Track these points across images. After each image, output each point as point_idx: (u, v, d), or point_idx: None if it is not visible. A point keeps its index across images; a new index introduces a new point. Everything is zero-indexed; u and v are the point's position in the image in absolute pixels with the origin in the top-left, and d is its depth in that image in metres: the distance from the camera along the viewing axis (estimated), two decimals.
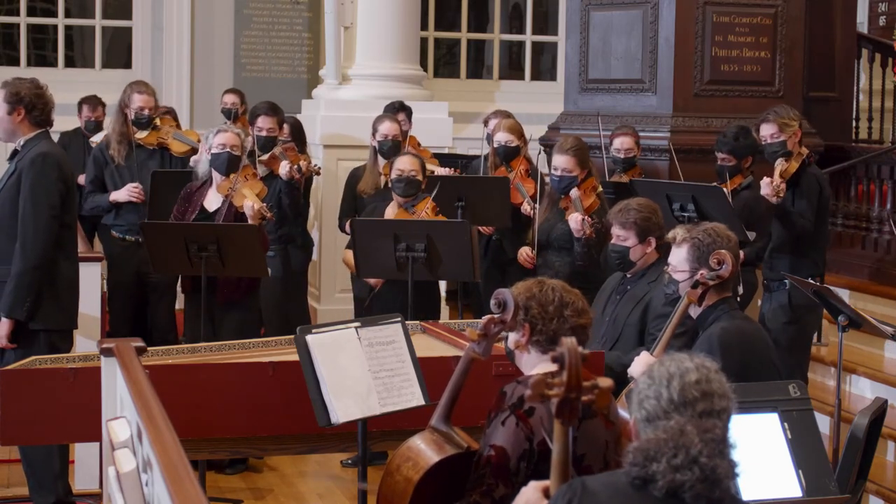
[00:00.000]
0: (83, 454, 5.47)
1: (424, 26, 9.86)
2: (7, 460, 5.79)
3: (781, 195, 5.74)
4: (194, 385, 4.17)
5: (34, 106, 5.07)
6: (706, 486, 2.33)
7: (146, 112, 6.78)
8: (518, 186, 6.54)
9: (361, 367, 3.86)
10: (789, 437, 3.62)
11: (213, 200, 5.84)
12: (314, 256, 7.86)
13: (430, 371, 3.98)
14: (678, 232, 4.24)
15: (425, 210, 5.91)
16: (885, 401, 4.47)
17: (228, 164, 5.76)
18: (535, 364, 3.21)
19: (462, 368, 3.38)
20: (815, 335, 6.43)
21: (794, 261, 5.92)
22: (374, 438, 4.15)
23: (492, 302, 3.24)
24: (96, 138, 7.77)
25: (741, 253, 4.81)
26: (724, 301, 4.13)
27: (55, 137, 5.57)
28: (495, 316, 3.23)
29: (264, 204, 5.76)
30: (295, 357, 3.91)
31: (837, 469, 4.13)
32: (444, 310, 7.54)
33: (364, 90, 8.54)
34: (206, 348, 4.65)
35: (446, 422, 3.33)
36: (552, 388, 2.48)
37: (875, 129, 9.16)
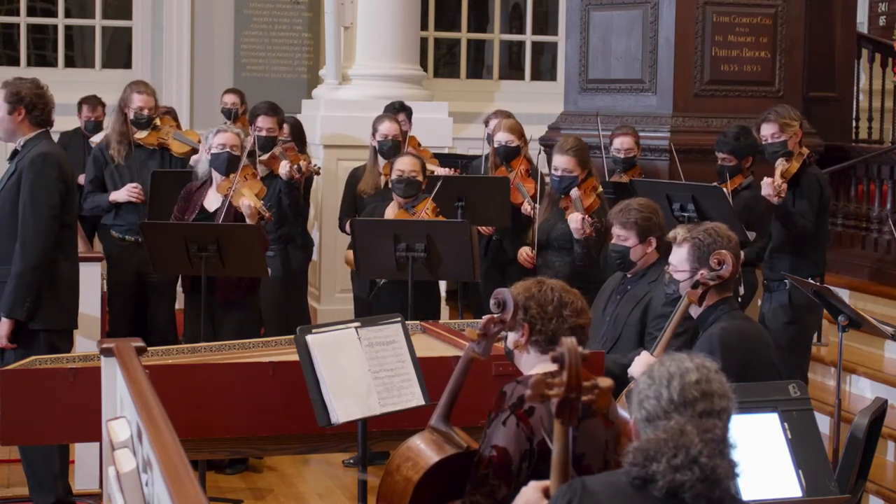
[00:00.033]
0: (83, 454, 5.47)
1: (424, 26, 9.86)
2: (7, 460, 5.79)
3: (783, 195, 5.73)
4: (194, 385, 4.17)
5: (35, 106, 5.07)
6: (706, 486, 2.33)
7: (146, 112, 6.78)
8: (518, 186, 6.54)
9: (361, 367, 3.86)
10: (789, 437, 3.62)
11: (212, 200, 5.84)
12: (314, 256, 7.86)
13: (430, 371, 3.98)
14: (679, 232, 4.24)
15: (425, 210, 5.91)
16: (885, 401, 4.47)
17: (228, 164, 5.76)
18: (534, 364, 3.21)
19: (461, 368, 3.38)
20: (815, 335, 6.43)
21: (795, 261, 5.91)
22: (374, 438, 4.15)
23: (491, 302, 3.24)
24: (96, 138, 7.77)
25: (741, 253, 4.81)
26: (724, 301, 4.13)
27: (55, 137, 5.57)
28: (495, 316, 3.23)
29: (262, 204, 5.75)
30: (295, 357, 3.92)
31: (837, 469, 4.13)
32: (444, 310, 7.54)
33: (364, 90, 8.54)
34: (206, 348, 4.65)
35: (446, 422, 3.33)
36: (552, 388, 2.49)
37: (875, 129, 9.16)
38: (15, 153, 5.11)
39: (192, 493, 2.28)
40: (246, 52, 9.77)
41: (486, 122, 7.65)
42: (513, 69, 10.88)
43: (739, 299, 5.31)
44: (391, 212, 6.05)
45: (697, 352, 2.98)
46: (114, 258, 6.78)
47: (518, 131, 6.77)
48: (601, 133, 6.92)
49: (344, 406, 3.77)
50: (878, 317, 5.32)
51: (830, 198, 6.30)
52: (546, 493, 2.71)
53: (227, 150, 5.77)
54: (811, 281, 5.37)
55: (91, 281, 5.77)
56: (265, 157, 6.88)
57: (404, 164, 6.00)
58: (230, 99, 8.22)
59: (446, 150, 8.47)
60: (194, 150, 6.72)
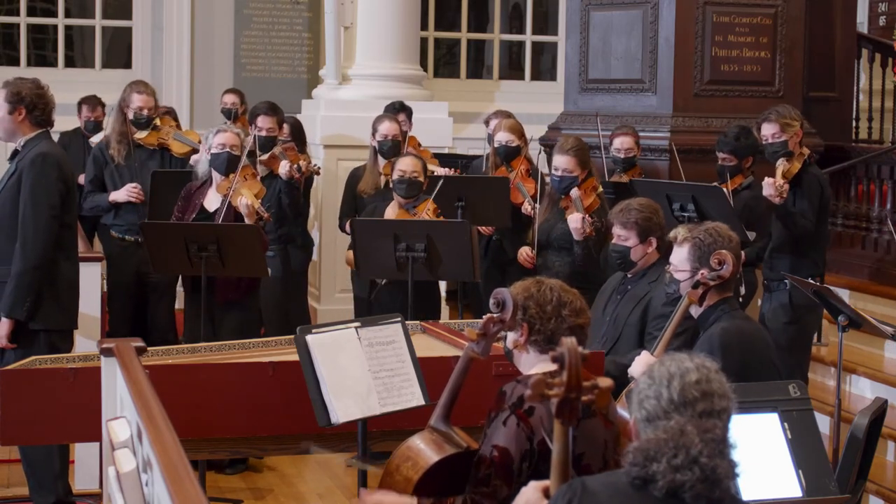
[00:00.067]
0: (83, 454, 5.47)
1: (424, 26, 9.86)
2: (7, 460, 5.79)
3: (784, 196, 5.73)
4: (194, 385, 4.17)
5: (35, 106, 5.07)
6: (706, 486, 2.33)
7: (145, 112, 6.78)
8: (519, 186, 6.54)
9: (361, 367, 3.86)
10: (789, 437, 3.62)
11: (212, 200, 5.84)
12: (314, 256, 7.86)
13: (430, 371, 3.98)
14: (680, 231, 4.24)
15: (426, 211, 5.91)
16: (885, 401, 4.47)
17: (228, 163, 5.76)
18: (533, 364, 3.21)
19: (461, 368, 3.38)
20: (815, 335, 6.43)
21: (795, 261, 5.91)
22: (374, 438, 4.15)
23: (490, 301, 3.24)
24: (96, 138, 7.77)
25: (742, 253, 4.81)
26: (724, 301, 4.13)
27: (55, 137, 5.57)
28: (494, 315, 3.23)
29: (261, 204, 5.74)
30: (295, 357, 3.91)
31: (837, 469, 4.13)
32: (444, 310, 7.54)
33: (364, 90, 8.54)
34: (206, 348, 4.65)
35: (446, 421, 3.33)
36: (552, 387, 2.48)
37: (875, 129, 9.16)
38: (15, 153, 5.11)
39: (192, 493, 2.28)
40: (246, 52, 9.77)
41: (487, 123, 7.65)
42: (513, 69, 10.88)
43: (740, 299, 5.32)
44: (391, 212, 6.05)
45: (698, 352, 2.98)
46: (113, 258, 6.78)
47: (518, 131, 6.77)
48: (601, 133, 6.92)
49: (344, 406, 3.77)
50: (878, 317, 5.32)
51: (830, 198, 6.30)
52: (546, 493, 2.71)
53: (227, 149, 5.77)
54: (811, 281, 5.37)
55: (91, 281, 5.77)
56: (265, 157, 6.88)
57: (406, 165, 6.00)
58: (230, 99, 8.22)
59: (446, 150, 8.47)
60: (194, 151, 6.72)
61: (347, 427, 3.86)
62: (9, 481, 5.71)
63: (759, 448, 3.56)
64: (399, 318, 4.04)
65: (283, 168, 6.66)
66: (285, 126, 7.20)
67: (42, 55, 10.10)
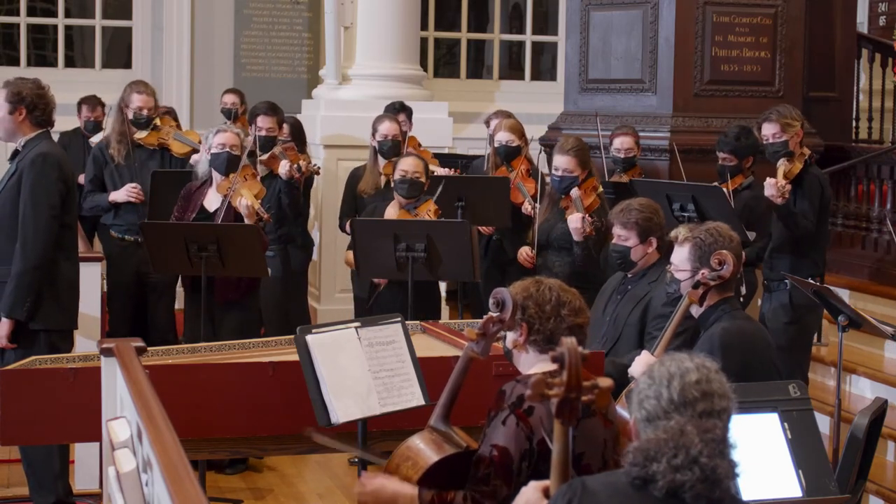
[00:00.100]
0: (83, 454, 5.47)
1: (424, 26, 9.86)
2: (7, 460, 5.79)
3: (786, 196, 5.73)
4: (194, 385, 4.17)
5: (35, 106, 5.07)
6: (706, 487, 2.33)
7: (145, 112, 6.78)
8: (519, 186, 6.54)
9: (361, 367, 3.86)
10: (789, 437, 3.62)
11: (212, 200, 5.84)
12: (314, 256, 7.86)
13: (430, 371, 3.98)
14: (681, 231, 4.24)
15: (427, 212, 5.91)
16: (885, 401, 4.47)
17: (228, 163, 5.76)
18: (532, 363, 3.21)
19: (461, 368, 3.38)
20: (815, 335, 6.43)
21: (795, 261, 5.91)
22: (374, 438, 4.15)
23: (490, 301, 3.24)
24: (96, 138, 7.77)
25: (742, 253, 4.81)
26: (725, 301, 4.13)
27: (55, 137, 5.57)
28: (494, 315, 3.23)
29: (260, 205, 5.74)
30: (295, 357, 3.91)
31: (837, 469, 4.13)
32: (444, 310, 7.54)
33: (364, 90, 8.54)
34: (206, 348, 4.65)
35: (445, 421, 3.33)
36: (552, 387, 2.48)
37: (875, 129, 9.16)
38: (16, 153, 5.11)
39: (192, 493, 2.28)
40: (246, 52, 9.77)
41: (487, 123, 7.65)
42: (513, 69, 10.88)
43: (742, 299, 5.32)
44: (392, 212, 6.05)
45: (698, 351, 2.98)
46: (113, 258, 6.78)
47: (519, 131, 6.77)
48: (601, 133, 6.92)
49: (344, 406, 3.77)
50: (878, 317, 5.32)
51: (831, 198, 6.30)
52: (546, 492, 2.71)
53: (227, 149, 5.77)
54: (811, 281, 5.37)
55: (91, 281, 5.77)
56: (265, 157, 6.88)
57: (408, 165, 6.00)
58: (230, 99, 8.22)
59: (446, 150, 8.47)
60: (194, 151, 6.72)
61: (347, 427, 3.85)
62: (9, 481, 5.71)
63: (759, 448, 3.56)
64: (399, 318, 4.04)
65: (283, 168, 6.66)
66: (285, 126, 7.20)
67: (42, 55, 10.10)
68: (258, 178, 6.06)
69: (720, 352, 3.79)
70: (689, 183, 6.08)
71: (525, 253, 6.14)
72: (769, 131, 5.93)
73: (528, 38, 10.69)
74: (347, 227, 6.51)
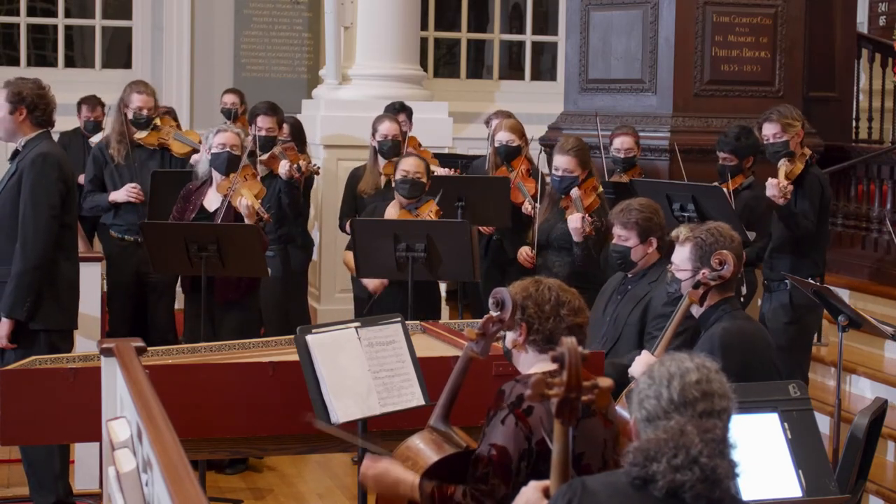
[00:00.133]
0: (83, 454, 5.47)
1: (424, 26, 9.86)
2: (7, 460, 5.79)
3: (788, 197, 5.73)
4: (194, 385, 4.17)
5: (36, 106, 5.07)
6: (706, 487, 2.33)
7: (145, 112, 6.78)
8: (519, 186, 6.54)
9: (361, 367, 3.86)
10: (789, 437, 3.62)
11: (212, 200, 5.84)
12: (314, 256, 7.86)
13: (430, 371, 3.98)
14: (682, 231, 4.24)
15: (429, 213, 5.91)
16: (885, 401, 4.47)
17: (228, 163, 5.76)
18: (532, 363, 3.21)
19: (460, 368, 3.38)
20: (815, 335, 6.43)
21: (795, 261, 5.91)
22: (374, 438, 4.15)
23: (490, 301, 3.24)
24: (96, 138, 7.77)
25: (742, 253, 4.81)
26: (726, 301, 4.13)
27: (55, 137, 5.57)
28: (493, 315, 3.23)
29: (260, 205, 5.74)
30: (295, 357, 3.91)
31: (837, 469, 4.13)
32: (444, 310, 7.54)
33: (364, 90, 8.54)
34: (206, 348, 4.65)
35: (445, 421, 3.33)
36: (552, 387, 2.48)
37: (875, 129, 9.16)
38: (16, 153, 5.11)
39: (192, 493, 2.28)
40: (246, 52, 9.77)
41: (488, 123, 7.65)
42: (513, 69, 10.89)
43: (742, 299, 5.32)
44: (392, 212, 6.05)
45: (698, 351, 2.98)
46: (113, 258, 6.77)
47: (519, 131, 6.77)
48: (601, 133, 6.92)
49: (344, 406, 3.77)
50: (878, 317, 5.32)
51: (831, 198, 6.31)
52: (546, 492, 2.71)
53: (228, 149, 5.77)
54: (811, 281, 5.36)
55: (91, 281, 5.77)
56: (265, 156, 6.88)
57: (409, 165, 5.99)
58: (230, 99, 8.22)
59: (446, 150, 8.47)
60: (195, 151, 6.72)
61: (347, 427, 3.85)
62: (9, 481, 5.71)
63: (759, 448, 3.56)
64: (399, 318, 4.04)
65: (283, 168, 6.66)
66: (285, 126, 7.20)
67: (42, 55, 10.10)
68: (258, 178, 6.06)
69: (720, 352, 3.79)
70: (689, 183, 6.08)
71: (525, 253, 6.14)
72: (770, 131, 5.93)
73: (528, 38, 10.69)
74: (347, 227, 6.51)
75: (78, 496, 5.34)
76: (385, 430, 4.14)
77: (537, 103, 9.63)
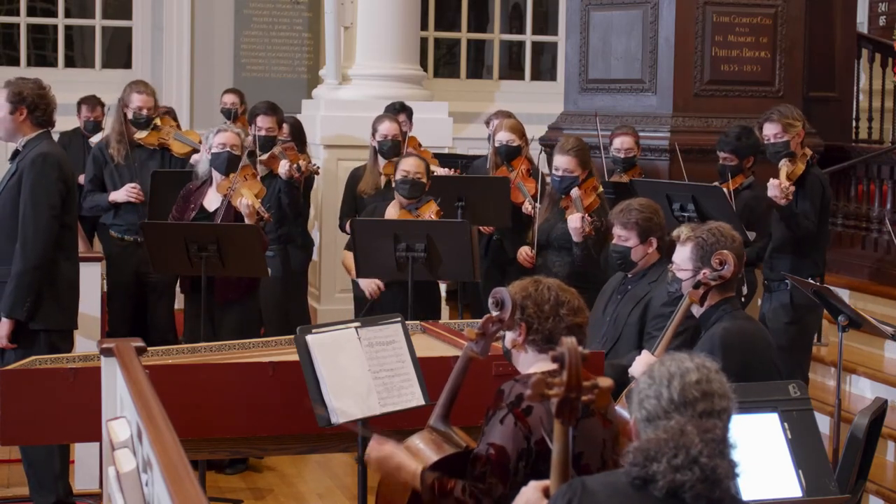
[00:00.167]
0: (83, 454, 5.46)
1: (424, 26, 9.86)
2: (7, 460, 5.79)
3: (790, 198, 5.73)
4: (194, 385, 4.17)
5: (36, 106, 5.07)
6: (706, 487, 2.33)
7: (145, 112, 6.78)
8: (520, 186, 6.54)
9: (361, 367, 3.85)
10: (789, 437, 3.62)
11: (212, 200, 5.84)
12: (314, 256, 7.86)
13: (430, 371, 3.98)
14: (683, 230, 4.25)
15: (430, 214, 5.90)
16: (885, 401, 4.47)
17: (228, 163, 5.76)
18: (532, 363, 3.21)
19: (460, 367, 3.38)
20: (816, 335, 6.43)
21: (795, 261, 5.91)
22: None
23: (489, 301, 3.25)
24: (96, 138, 7.77)
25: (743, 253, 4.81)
26: (726, 301, 4.13)
27: (55, 137, 5.56)
28: (493, 315, 3.23)
29: (261, 204, 5.74)
30: (295, 357, 3.91)
31: (837, 469, 4.13)
32: (444, 310, 7.54)
33: (364, 90, 8.54)
34: (206, 348, 4.65)
35: (445, 421, 3.33)
36: (552, 387, 2.48)
37: (875, 129, 9.16)
38: (16, 153, 5.11)
39: (192, 493, 2.28)
40: (246, 52, 9.77)
41: (488, 123, 7.65)
42: (513, 69, 10.88)
43: (743, 299, 5.31)
44: (392, 212, 6.05)
45: (699, 351, 2.98)
46: (113, 258, 6.77)
47: (519, 131, 6.77)
48: (601, 133, 6.92)
49: (344, 406, 3.77)
50: (878, 317, 5.32)
51: (831, 198, 6.31)
52: (546, 492, 2.71)
53: (228, 149, 5.77)
54: (811, 281, 5.36)
55: (91, 281, 5.77)
56: (265, 156, 6.88)
57: (410, 165, 5.99)
58: (230, 99, 8.22)
59: (446, 150, 8.47)
60: (195, 151, 6.72)
61: (347, 427, 3.85)
62: (9, 481, 5.71)
63: (759, 448, 3.56)
64: (399, 318, 4.04)
65: (283, 168, 6.66)
66: (285, 126, 7.20)
67: (42, 55, 10.10)
68: (258, 177, 6.07)
69: (721, 352, 3.80)
70: (689, 183, 6.08)
71: (525, 253, 6.14)
72: (771, 131, 5.93)
73: (528, 38, 10.69)
74: (347, 228, 6.50)
75: (78, 496, 5.34)
76: (385, 430, 4.14)
77: (537, 103, 9.63)
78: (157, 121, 6.88)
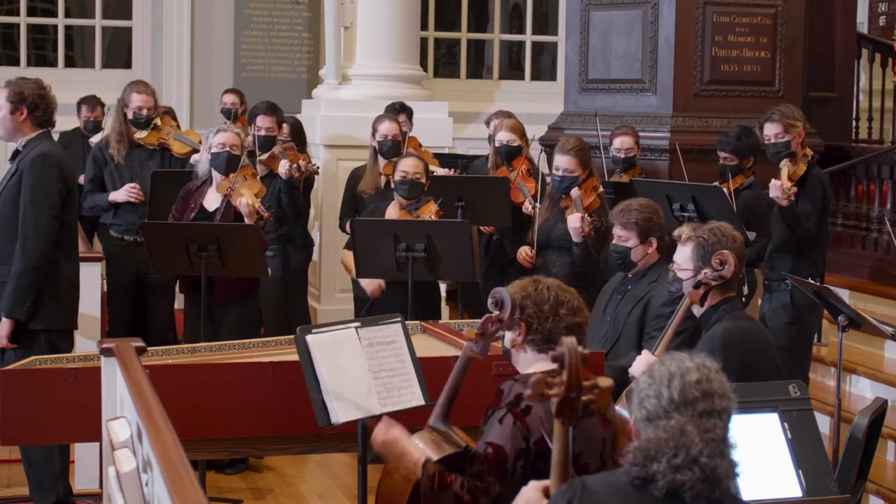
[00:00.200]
0: (83, 454, 5.47)
1: (424, 26, 9.86)
2: (7, 460, 5.79)
3: (792, 198, 5.72)
4: (194, 385, 4.17)
5: (37, 106, 5.07)
6: (706, 486, 2.33)
7: (145, 112, 6.78)
8: (520, 186, 6.54)
9: (361, 367, 3.85)
10: (789, 437, 3.62)
11: (212, 200, 5.84)
12: (314, 256, 7.86)
13: (430, 371, 3.98)
14: (684, 230, 4.24)
15: (430, 214, 5.90)
16: (885, 401, 4.47)
17: (228, 163, 5.76)
18: (531, 363, 3.21)
19: (460, 367, 3.38)
20: (816, 335, 6.43)
21: (796, 261, 5.91)
22: None
23: (489, 301, 3.25)
24: (96, 138, 7.77)
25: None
26: (727, 301, 4.13)
27: (55, 137, 5.56)
28: (493, 315, 3.23)
29: (261, 204, 5.74)
30: (295, 357, 3.91)
31: (837, 469, 4.13)
32: (444, 310, 7.54)
33: (364, 90, 8.54)
34: (206, 348, 4.65)
35: (444, 421, 3.33)
36: (552, 387, 2.48)
37: (875, 129, 9.16)
38: (16, 153, 5.11)
39: (192, 493, 2.28)
40: (246, 52, 9.77)
41: (488, 123, 7.65)
42: (513, 69, 10.88)
43: (743, 299, 5.31)
44: (392, 212, 6.05)
45: (699, 351, 2.98)
46: (113, 258, 6.77)
47: (519, 131, 6.77)
48: (601, 133, 6.92)
49: (344, 406, 3.77)
50: (878, 317, 5.32)
51: (831, 198, 6.30)
52: (546, 492, 2.71)
53: (227, 149, 5.77)
54: (811, 281, 5.36)
55: (91, 281, 5.77)
56: (265, 156, 6.88)
57: (408, 166, 5.99)
58: (230, 99, 8.22)
59: (446, 150, 8.47)
60: (194, 151, 6.72)
61: (347, 427, 3.85)
62: (9, 481, 5.71)
63: (759, 448, 3.56)
64: (399, 318, 4.04)
65: (283, 167, 6.66)
66: (285, 126, 7.20)
67: (42, 55, 10.10)
68: (258, 177, 6.06)
69: (721, 352, 3.79)
70: (690, 183, 6.08)
71: (525, 253, 6.14)
72: (771, 131, 5.92)
73: (528, 38, 10.69)
74: (347, 228, 6.50)
75: (78, 496, 5.34)
76: None
77: (537, 103, 9.63)
78: (157, 121, 6.88)
